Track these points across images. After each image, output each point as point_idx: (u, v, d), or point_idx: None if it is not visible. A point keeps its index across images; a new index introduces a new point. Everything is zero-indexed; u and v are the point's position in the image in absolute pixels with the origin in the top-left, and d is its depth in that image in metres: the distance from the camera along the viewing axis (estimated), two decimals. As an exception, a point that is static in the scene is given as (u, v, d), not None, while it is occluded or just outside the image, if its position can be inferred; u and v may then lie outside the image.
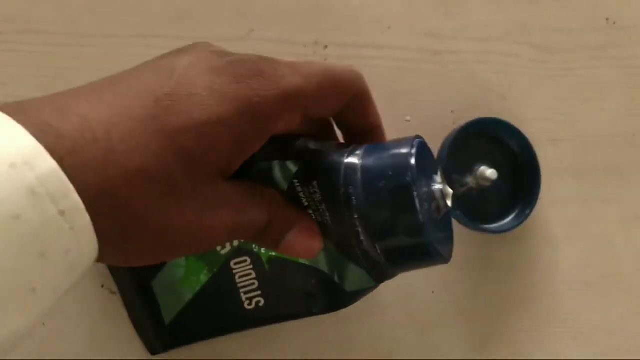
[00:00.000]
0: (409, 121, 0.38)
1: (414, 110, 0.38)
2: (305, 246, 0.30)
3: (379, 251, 0.29)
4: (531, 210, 0.37)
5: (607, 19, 0.39)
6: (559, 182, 0.38)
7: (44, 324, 0.38)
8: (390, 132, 0.38)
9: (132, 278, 0.37)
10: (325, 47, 0.38)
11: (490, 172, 0.36)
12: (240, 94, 0.25)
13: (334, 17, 0.38)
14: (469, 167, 0.37)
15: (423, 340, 0.38)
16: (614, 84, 0.39)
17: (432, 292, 0.39)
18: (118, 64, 0.38)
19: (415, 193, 0.28)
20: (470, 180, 0.37)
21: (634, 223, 0.39)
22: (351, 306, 0.37)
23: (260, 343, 0.38)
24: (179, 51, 0.26)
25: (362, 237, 0.29)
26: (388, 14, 0.39)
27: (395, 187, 0.28)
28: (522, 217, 0.37)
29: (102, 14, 0.39)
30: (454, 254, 0.35)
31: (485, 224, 0.37)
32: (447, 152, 0.36)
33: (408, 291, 0.39)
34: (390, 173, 0.28)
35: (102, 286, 0.38)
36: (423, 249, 0.29)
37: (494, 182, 0.36)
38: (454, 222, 0.36)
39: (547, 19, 0.39)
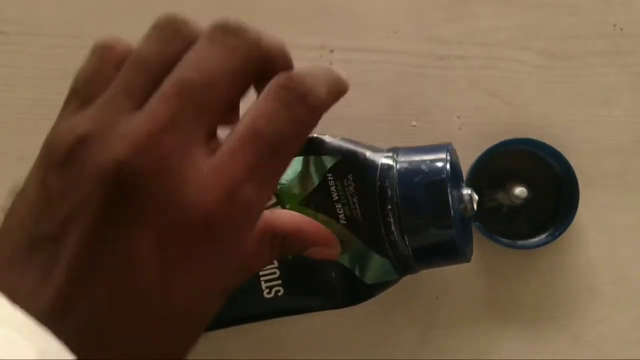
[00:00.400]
0: (414, 126, 0.38)
1: (420, 115, 0.38)
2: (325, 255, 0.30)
3: (407, 243, 0.32)
4: (561, 233, 0.37)
5: (614, 26, 0.39)
6: (565, 188, 0.38)
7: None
8: (396, 137, 0.38)
9: None
10: (332, 51, 0.38)
11: (519, 191, 0.37)
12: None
13: (340, 22, 0.38)
14: (500, 183, 0.38)
15: (425, 344, 0.38)
16: (621, 91, 0.39)
17: (437, 297, 0.38)
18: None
19: (449, 189, 0.31)
20: (500, 196, 0.38)
21: (641, 230, 0.39)
22: (353, 311, 0.37)
23: (262, 341, 0.37)
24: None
25: (393, 228, 0.31)
26: (394, 18, 0.38)
27: (431, 182, 0.31)
28: (550, 237, 0.37)
29: (106, 16, 0.39)
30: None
31: (512, 239, 0.38)
32: (478, 166, 0.37)
33: (411, 296, 0.38)
34: (426, 170, 0.31)
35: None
36: (450, 244, 0.31)
37: (524, 200, 0.37)
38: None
39: (553, 25, 0.39)
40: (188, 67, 0.23)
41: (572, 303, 0.38)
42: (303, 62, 0.37)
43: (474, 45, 0.38)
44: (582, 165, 0.38)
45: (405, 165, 0.32)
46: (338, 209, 0.33)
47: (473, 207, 0.33)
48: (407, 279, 0.38)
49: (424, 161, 0.32)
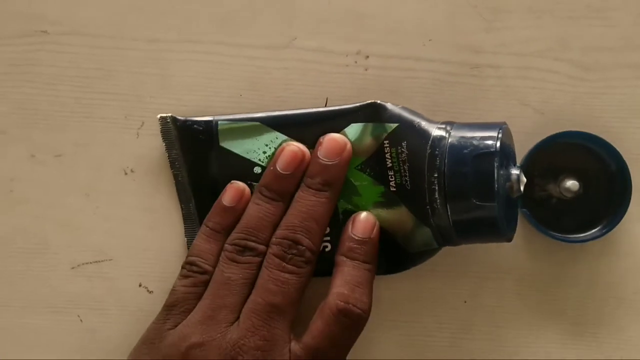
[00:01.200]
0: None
1: (453, 123, 0.39)
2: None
3: (449, 213, 0.33)
4: (608, 231, 0.37)
5: (647, 38, 0.39)
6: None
7: (81, 320, 0.39)
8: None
9: None
10: (367, 57, 0.39)
11: (571, 184, 0.37)
12: None
13: (376, 29, 0.39)
14: (553, 175, 0.38)
15: (453, 349, 0.39)
16: (653, 103, 0.39)
17: (465, 301, 0.39)
18: (159, 67, 0.39)
19: (496, 163, 0.31)
20: (551, 187, 0.38)
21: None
22: (381, 314, 0.38)
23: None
24: None
25: (437, 196, 0.33)
26: (429, 26, 0.39)
27: (479, 154, 0.32)
28: (596, 234, 0.38)
29: (147, 18, 0.39)
30: (485, 264, 0.39)
31: (557, 231, 0.38)
32: (533, 153, 0.37)
33: (438, 300, 0.39)
34: (476, 143, 0.32)
35: (140, 285, 0.39)
36: (491, 219, 0.32)
37: (576, 193, 0.37)
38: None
39: (587, 36, 0.39)
40: (273, 293, 0.34)
41: (598, 312, 0.39)
42: (338, 67, 0.38)
43: (508, 55, 0.39)
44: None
45: (457, 137, 0.33)
46: (390, 176, 0.35)
47: (519, 187, 0.34)
48: (436, 282, 0.38)
49: (475, 136, 0.33)
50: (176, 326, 0.34)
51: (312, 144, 0.36)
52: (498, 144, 0.32)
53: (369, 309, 0.34)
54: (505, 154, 0.34)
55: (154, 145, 0.39)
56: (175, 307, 0.35)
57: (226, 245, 0.35)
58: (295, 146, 0.36)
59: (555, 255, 0.39)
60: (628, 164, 0.38)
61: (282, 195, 0.35)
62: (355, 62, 0.39)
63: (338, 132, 0.36)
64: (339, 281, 0.34)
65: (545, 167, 0.38)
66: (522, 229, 0.39)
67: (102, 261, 0.39)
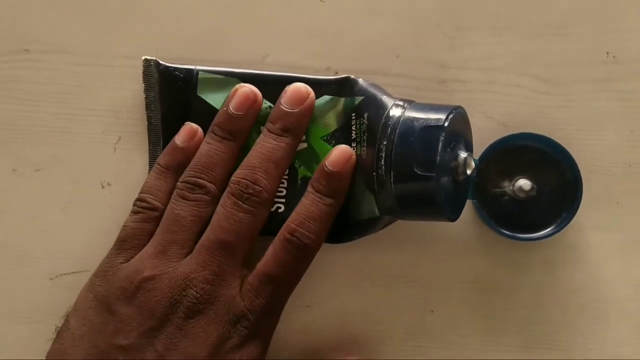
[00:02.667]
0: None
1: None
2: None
3: (392, 179, 0.34)
4: (554, 233, 0.38)
5: (607, 53, 0.40)
6: (558, 208, 0.40)
7: (59, 330, 0.39)
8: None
9: None
10: (336, 73, 0.40)
11: (523, 184, 0.38)
12: None
13: (345, 46, 0.40)
14: (510, 174, 0.39)
15: (419, 357, 0.40)
16: (613, 116, 0.40)
17: (432, 311, 0.40)
18: (137, 84, 0.40)
19: (442, 137, 0.32)
20: (506, 185, 0.39)
21: (630, 250, 0.40)
22: (350, 322, 0.38)
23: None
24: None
25: (382, 163, 0.34)
26: (397, 44, 0.40)
27: (427, 127, 0.33)
28: (548, 233, 0.38)
29: (125, 36, 0.40)
30: (451, 274, 0.40)
31: (507, 229, 0.39)
32: (493, 149, 0.38)
33: (407, 310, 0.40)
34: (428, 117, 0.34)
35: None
36: (430, 189, 0.33)
37: (528, 194, 0.38)
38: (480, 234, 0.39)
39: (549, 51, 0.40)
40: (225, 231, 0.35)
41: (562, 319, 0.40)
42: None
43: (473, 70, 0.40)
44: (575, 187, 0.39)
45: (412, 111, 0.34)
46: (352, 148, 0.36)
47: (465, 170, 0.34)
48: (408, 292, 0.39)
49: (429, 112, 0.34)
50: (128, 260, 0.36)
51: None
52: (447, 121, 0.33)
53: (317, 242, 0.35)
54: (457, 136, 0.35)
55: (130, 159, 0.40)
56: (126, 242, 0.36)
57: (178, 183, 0.37)
58: (248, 88, 0.37)
59: (518, 264, 0.40)
60: (588, 175, 0.39)
61: (233, 135, 0.37)
62: (326, 77, 0.40)
63: None
64: (295, 211, 0.36)
65: (503, 165, 0.39)
66: (487, 238, 0.40)
67: (80, 272, 0.40)
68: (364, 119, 0.36)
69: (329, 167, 0.36)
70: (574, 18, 0.40)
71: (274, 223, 0.37)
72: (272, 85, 0.38)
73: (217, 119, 0.37)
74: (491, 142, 0.38)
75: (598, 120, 0.40)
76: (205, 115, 0.38)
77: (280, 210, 0.37)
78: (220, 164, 0.36)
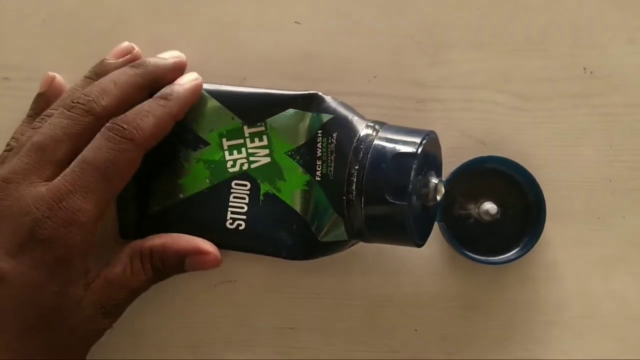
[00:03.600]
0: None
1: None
2: (205, 262, 0.36)
3: (362, 204, 0.34)
4: (520, 255, 0.39)
5: (584, 69, 0.40)
6: (540, 224, 0.40)
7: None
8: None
9: None
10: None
11: (490, 207, 0.38)
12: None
13: (323, 67, 0.40)
14: (475, 197, 0.39)
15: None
16: (592, 131, 0.40)
17: (415, 330, 0.40)
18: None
19: (414, 165, 0.33)
20: (471, 207, 0.39)
21: (612, 265, 0.40)
22: (336, 343, 0.38)
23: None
24: None
25: (353, 187, 0.34)
26: (374, 63, 0.40)
27: (400, 153, 0.33)
28: (513, 256, 0.39)
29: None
30: (435, 292, 0.40)
31: (473, 252, 0.39)
32: (458, 173, 0.39)
33: (390, 329, 0.40)
34: (400, 143, 0.34)
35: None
36: (401, 219, 0.33)
37: (493, 217, 0.38)
38: (448, 256, 0.38)
39: (527, 68, 0.40)
40: (40, 134, 0.34)
41: (545, 336, 0.40)
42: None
43: (451, 88, 0.40)
44: (556, 203, 0.39)
45: (384, 135, 0.34)
46: (317, 166, 0.36)
47: (435, 196, 0.35)
48: (388, 312, 0.39)
49: (401, 137, 0.34)
50: None
51: (249, 121, 0.37)
52: (421, 148, 0.33)
53: (141, 135, 0.34)
54: (429, 162, 0.35)
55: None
56: None
57: None
58: (128, 43, 0.39)
59: (499, 282, 0.40)
60: (568, 191, 0.39)
61: (99, 76, 0.37)
62: (304, 99, 0.40)
63: (275, 114, 0.37)
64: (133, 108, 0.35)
65: (469, 187, 0.39)
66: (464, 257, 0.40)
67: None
68: (332, 138, 0.35)
69: (176, 83, 0.37)
70: (551, 34, 0.41)
71: (234, 239, 0.37)
72: (236, 101, 0.38)
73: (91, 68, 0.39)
74: (467, 160, 0.39)
75: (577, 136, 0.40)
76: (177, 133, 0.37)
77: (241, 228, 0.37)
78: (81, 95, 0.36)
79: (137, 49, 0.39)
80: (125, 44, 0.39)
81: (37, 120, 0.37)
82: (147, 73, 0.37)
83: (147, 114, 0.35)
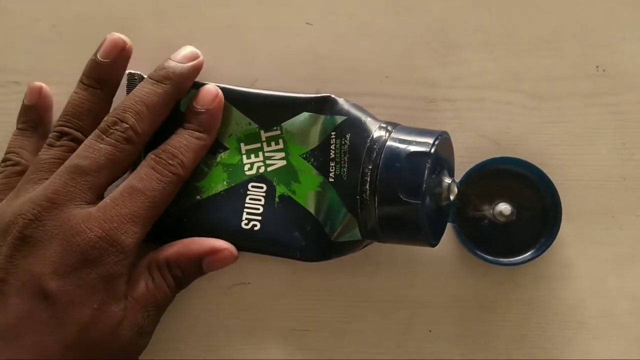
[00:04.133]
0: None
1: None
2: (222, 259, 0.37)
3: (375, 205, 0.34)
4: (536, 256, 0.38)
5: (597, 67, 0.40)
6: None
7: None
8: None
9: None
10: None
11: (504, 208, 0.38)
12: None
13: (334, 68, 0.40)
14: (490, 198, 0.39)
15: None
16: (605, 130, 0.40)
17: (430, 330, 0.40)
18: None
19: (428, 163, 0.33)
20: (486, 209, 0.39)
21: (627, 264, 0.40)
22: (349, 345, 0.38)
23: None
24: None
25: (367, 187, 0.34)
26: (386, 64, 0.40)
27: (414, 152, 0.33)
28: (527, 258, 0.39)
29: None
30: (447, 295, 0.40)
31: (486, 253, 0.39)
32: (474, 172, 0.38)
33: (404, 331, 0.40)
34: (414, 143, 0.34)
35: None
36: (414, 218, 0.33)
37: (508, 218, 0.38)
38: (461, 256, 0.39)
39: (539, 67, 0.40)
40: (80, 156, 0.35)
41: (561, 335, 0.40)
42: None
43: (463, 88, 0.40)
44: (570, 202, 0.39)
45: (398, 136, 0.34)
46: (331, 167, 0.36)
47: (449, 196, 0.35)
48: (401, 314, 0.39)
49: (414, 137, 0.34)
50: None
51: (265, 126, 0.38)
52: (434, 147, 0.33)
53: (184, 168, 0.36)
54: (442, 162, 0.35)
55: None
56: None
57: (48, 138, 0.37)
58: (117, 35, 0.38)
59: (514, 282, 0.40)
60: (583, 190, 0.39)
61: (100, 83, 0.37)
62: (315, 100, 0.40)
63: (290, 118, 0.37)
64: (167, 143, 0.36)
65: (483, 188, 0.39)
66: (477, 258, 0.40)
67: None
68: (345, 139, 0.35)
69: (198, 107, 0.37)
70: (563, 33, 0.40)
71: (249, 240, 0.37)
72: (250, 104, 0.38)
73: (85, 69, 0.38)
74: (482, 160, 0.38)
75: (590, 135, 0.40)
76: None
77: (256, 229, 0.37)
78: (88, 112, 0.36)
79: (128, 43, 0.38)
80: (114, 36, 0.38)
81: (51, 137, 0.36)
82: (174, 89, 0.37)
83: (188, 149, 0.36)
